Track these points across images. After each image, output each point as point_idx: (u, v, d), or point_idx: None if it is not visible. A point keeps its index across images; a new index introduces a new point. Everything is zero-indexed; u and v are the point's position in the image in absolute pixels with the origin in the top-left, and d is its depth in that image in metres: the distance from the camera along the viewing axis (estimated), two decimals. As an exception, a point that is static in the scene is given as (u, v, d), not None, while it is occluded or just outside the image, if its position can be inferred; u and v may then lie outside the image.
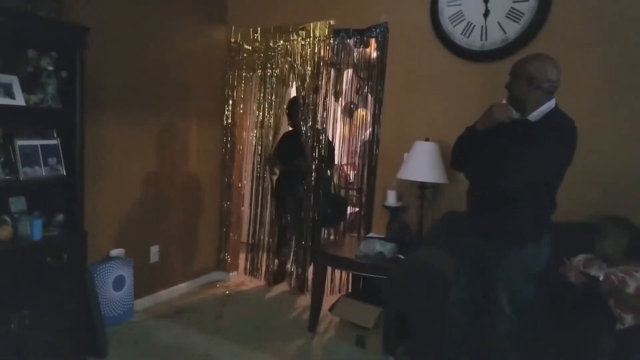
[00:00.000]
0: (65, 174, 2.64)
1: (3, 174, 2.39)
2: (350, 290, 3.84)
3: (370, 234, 3.69)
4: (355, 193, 4.47)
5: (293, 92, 4.34)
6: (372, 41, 3.75)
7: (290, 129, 4.23)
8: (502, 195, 2.19)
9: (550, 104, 2.17)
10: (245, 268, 4.42)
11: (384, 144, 3.68)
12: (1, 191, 2.48)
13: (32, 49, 2.54)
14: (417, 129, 3.49)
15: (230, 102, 4.25)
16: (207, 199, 4.22)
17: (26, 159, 2.46)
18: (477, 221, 2.36)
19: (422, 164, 3.25)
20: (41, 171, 2.53)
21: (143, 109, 3.49)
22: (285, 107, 4.19)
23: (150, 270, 3.69)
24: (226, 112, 4.26)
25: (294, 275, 4.17)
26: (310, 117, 3.95)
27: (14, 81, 2.40)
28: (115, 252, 3.34)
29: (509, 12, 3.15)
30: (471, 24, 3.28)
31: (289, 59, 4.07)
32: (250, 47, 4.15)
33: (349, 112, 4.10)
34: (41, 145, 2.55)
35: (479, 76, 3.30)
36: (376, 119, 3.70)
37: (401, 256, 3.08)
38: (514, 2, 3.14)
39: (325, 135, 3.97)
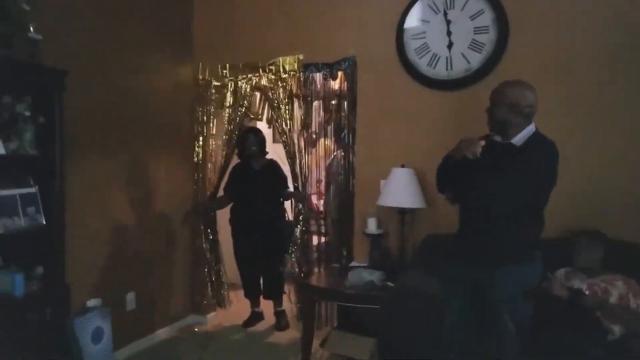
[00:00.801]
0: (45, 223, 2.50)
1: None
2: (336, 322, 3.80)
3: (353, 263, 3.70)
4: (323, 222, 4.44)
5: (262, 126, 4.37)
6: (341, 74, 3.85)
7: (238, 161, 4.19)
8: (493, 218, 2.28)
9: (531, 128, 2.31)
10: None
11: (360, 172, 3.75)
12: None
13: (7, 94, 2.43)
14: (391, 156, 3.58)
15: (201, 138, 4.20)
16: (179, 239, 4.11)
17: (4, 210, 2.33)
18: (467, 244, 2.43)
19: (400, 190, 3.34)
20: (20, 222, 2.40)
21: (115, 150, 3.40)
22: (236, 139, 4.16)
23: (128, 318, 3.53)
24: (196, 149, 4.20)
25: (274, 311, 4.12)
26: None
27: (-9, 129, 2.28)
28: (92, 302, 3.17)
29: (471, 44, 3.34)
30: (436, 55, 3.44)
31: (257, 93, 4.10)
32: (219, 83, 4.14)
33: (312, 142, 4.11)
34: (20, 195, 2.42)
35: (447, 103, 3.46)
36: (350, 149, 3.76)
37: (390, 283, 3.11)
38: (475, 34, 3.33)
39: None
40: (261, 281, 4.20)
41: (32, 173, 2.55)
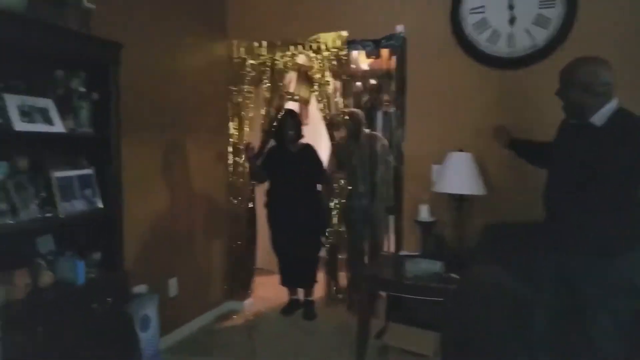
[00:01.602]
0: (102, 206, 2.34)
1: (38, 211, 2.08)
2: (387, 313, 3.64)
3: (403, 252, 3.56)
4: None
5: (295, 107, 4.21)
6: (386, 52, 3.67)
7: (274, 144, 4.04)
8: (587, 204, 2.13)
9: (611, 105, 2.14)
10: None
11: (409, 157, 3.58)
12: (33, 231, 2.15)
13: (60, 68, 2.25)
14: (445, 139, 3.41)
15: (236, 119, 4.02)
16: (217, 223, 3.97)
17: (64, 193, 2.17)
18: (556, 234, 2.27)
19: (458, 175, 3.17)
20: (80, 205, 2.23)
21: (154, 131, 3.21)
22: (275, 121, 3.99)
23: (171, 305, 3.39)
24: (231, 130, 4.02)
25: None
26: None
27: (50, 105, 2.11)
28: (139, 288, 3.02)
29: (536, 19, 3.16)
30: (497, 31, 3.26)
31: (294, 73, 3.92)
32: (255, 62, 3.95)
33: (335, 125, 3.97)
34: (77, 176, 2.25)
35: (508, 83, 3.29)
36: (399, 131, 3.60)
37: (454, 275, 2.97)
38: (540, 8, 3.15)
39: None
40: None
41: (87, 153, 2.38)
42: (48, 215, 2.08)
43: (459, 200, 3.25)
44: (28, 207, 2.02)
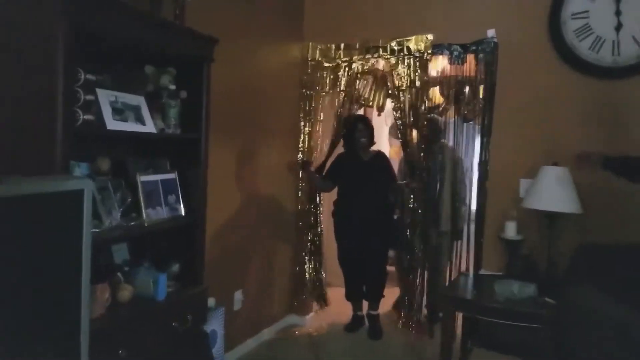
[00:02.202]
0: (184, 214, 2.17)
1: (120, 218, 1.91)
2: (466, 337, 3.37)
3: (483, 271, 3.30)
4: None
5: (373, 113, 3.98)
6: (470, 57, 3.42)
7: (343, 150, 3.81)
8: None
9: None
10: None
11: (494, 169, 3.31)
12: (109, 240, 1.98)
13: (150, 63, 2.10)
14: (535, 153, 3.17)
15: (308, 124, 3.83)
16: (284, 231, 3.78)
17: (149, 199, 2.00)
18: None
19: (551, 191, 2.90)
20: (163, 212, 2.06)
21: (231, 135, 3.04)
22: (344, 126, 3.77)
23: (235, 318, 3.21)
24: (302, 135, 3.84)
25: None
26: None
27: (142, 103, 1.95)
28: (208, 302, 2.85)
29: (647, 25, 2.87)
30: (600, 38, 2.98)
31: (371, 77, 3.70)
32: (330, 64, 3.76)
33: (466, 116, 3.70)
34: (162, 181, 2.09)
35: (610, 94, 3.01)
36: (484, 142, 3.33)
37: (549, 300, 2.69)
38: (653, 13, 2.85)
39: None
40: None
41: (171, 155, 2.21)
42: (132, 223, 1.90)
43: (551, 218, 2.96)
44: (111, 213, 1.85)
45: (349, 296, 3.85)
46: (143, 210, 1.95)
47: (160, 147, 2.21)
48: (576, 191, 2.87)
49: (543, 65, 3.16)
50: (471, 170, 3.69)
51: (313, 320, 3.94)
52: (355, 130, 3.63)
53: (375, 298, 3.78)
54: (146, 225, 1.95)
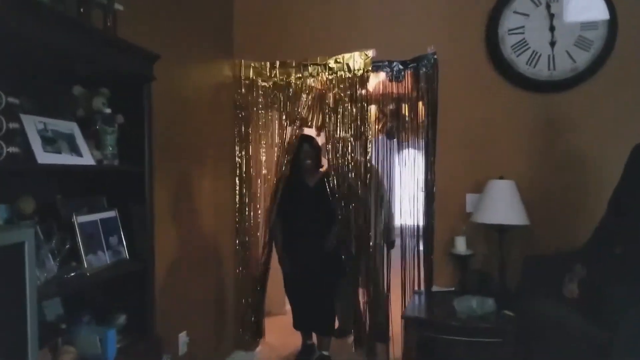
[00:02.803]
0: (128, 257, 1.88)
1: (58, 270, 1.60)
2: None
3: (435, 288, 3.25)
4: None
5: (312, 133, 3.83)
6: (408, 74, 3.40)
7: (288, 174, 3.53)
8: None
9: None
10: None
11: (440, 186, 3.29)
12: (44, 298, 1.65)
13: (79, 83, 1.80)
14: (479, 167, 3.21)
15: (244, 149, 3.60)
16: (225, 265, 3.50)
17: (89, 243, 1.70)
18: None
19: (499, 204, 2.92)
20: (105, 257, 1.77)
21: (166, 162, 2.74)
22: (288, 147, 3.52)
23: (181, 364, 2.89)
24: (237, 160, 3.60)
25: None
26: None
27: (75, 130, 1.65)
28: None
29: (578, 41, 3.00)
30: (537, 52, 3.07)
31: (307, 96, 3.55)
32: (266, 84, 3.58)
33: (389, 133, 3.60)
34: (101, 221, 1.79)
35: (548, 107, 3.12)
36: (429, 161, 3.30)
37: (508, 313, 2.69)
38: (582, 30, 2.99)
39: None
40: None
41: (107, 191, 1.92)
42: (72, 274, 1.59)
43: (500, 231, 2.98)
44: (45, 265, 1.54)
45: (296, 325, 3.64)
46: (83, 257, 1.65)
47: (95, 182, 1.91)
48: (522, 203, 2.91)
49: (484, 81, 3.21)
50: (391, 187, 3.63)
51: (262, 354, 3.68)
52: (299, 151, 3.44)
53: (325, 332, 3.56)
54: (88, 274, 1.65)
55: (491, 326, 2.60)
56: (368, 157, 3.45)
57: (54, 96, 1.75)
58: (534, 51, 3.07)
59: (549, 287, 2.70)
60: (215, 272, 3.36)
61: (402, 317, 2.81)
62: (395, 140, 3.55)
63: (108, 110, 1.84)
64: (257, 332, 3.65)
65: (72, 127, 1.64)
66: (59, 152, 1.54)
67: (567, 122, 3.07)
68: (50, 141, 1.52)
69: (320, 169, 3.56)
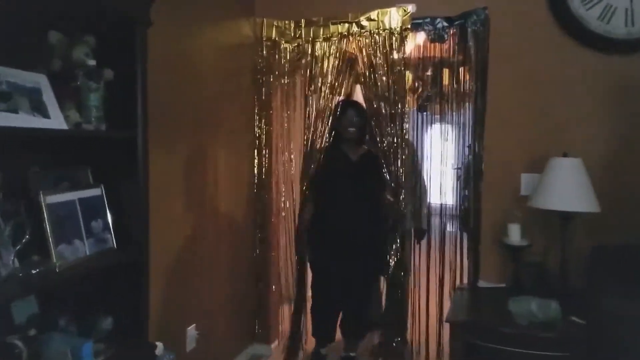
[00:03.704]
0: (116, 247, 1.50)
1: (18, 264, 1.23)
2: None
3: (481, 283, 2.83)
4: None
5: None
6: (453, 33, 2.92)
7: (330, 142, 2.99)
8: None
9: None
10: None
11: (490, 164, 2.84)
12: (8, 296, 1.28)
13: (55, 28, 1.40)
14: (537, 143, 2.75)
15: (263, 118, 3.19)
16: (241, 248, 3.13)
17: (60, 229, 1.32)
18: None
19: (564, 187, 2.46)
20: (84, 248, 1.39)
21: (172, 132, 2.36)
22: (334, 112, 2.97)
23: (189, 361, 2.55)
24: (257, 130, 3.20)
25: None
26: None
27: (43, 85, 1.26)
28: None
29: (664, -10, 2.48)
30: (611, 6, 2.57)
31: (341, 60, 3.10)
32: (289, 45, 3.14)
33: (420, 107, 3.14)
34: (80, 201, 1.41)
35: (622, 72, 2.62)
36: (477, 133, 2.85)
37: (578, 319, 2.25)
38: (670, -23, 2.47)
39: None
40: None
41: (93, 163, 1.53)
42: (34, 271, 1.22)
43: (564, 219, 2.52)
44: (1, 257, 1.17)
45: (318, 331, 3.03)
46: (52, 248, 1.27)
47: (77, 152, 1.52)
48: (592, 187, 2.44)
49: (544, 41, 2.72)
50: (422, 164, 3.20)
51: (279, 349, 3.31)
52: (343, 117, 2.89)
53: (357, 335, 3.06)
54: (58, 270, 1.27)
55: (556, 336, 2.16)
56: (405, 131, 3.01)
57: (23, 44, 1.36)
58: (607, 4, 2.56)
59: (628, 285, 2.26)
60: (230, 258, 2.98)
61: (447, 320, 2.39)
62: (427, 113, 3.09)
63: (92, 63, 1.44)
64: (274, 322, 3.28)
65: (38, 80, 1.25)
66: (15, 111, 1.15)
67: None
68: (4, 96, 1.13)
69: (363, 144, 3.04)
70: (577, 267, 2.55)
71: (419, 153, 3.21)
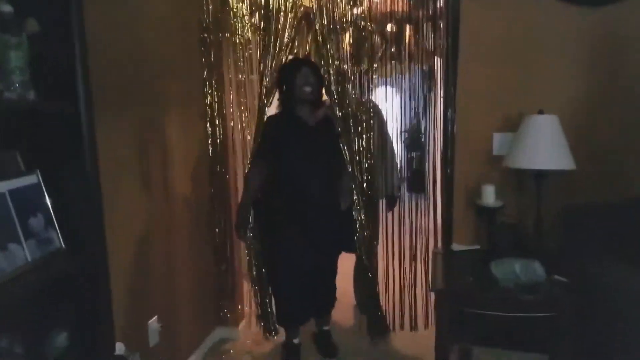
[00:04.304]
0: (64, 246, 1.21)
1: None
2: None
3: (455, 246, 2.73)
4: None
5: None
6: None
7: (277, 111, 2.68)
8: None
9: None
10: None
11: (461, 123, 2.71)
12: None
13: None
14: (511, 100, 2.63)
15: (214, 83, 2.88)
16: (200, 228, 2.86)
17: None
18: None
19: (540, 145, 2.36)
20: (22, 253, 1.09)
21: (114, 102, 2.01)
22: (280, 72, 2.62)
23: (154, 355, 2.30)
24: (208, 99, 2.89)
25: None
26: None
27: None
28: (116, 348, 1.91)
29: None
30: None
31: (298, 15, 2.83)
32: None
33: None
34: (11, 192, 1.11)
35: (598, 23, 2.50)
36: (448, 91, 2.69)
37: (561, 278, 2.19)
38: None
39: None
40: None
41: (22, 145, 1.21)
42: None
43: (539, 178, 2.44)
44: None
45: (286, 319, 2.76)
46: (-22, 259, 0.97)
47: (10, 129, 1.20)
48: (567, 144, 2.36)
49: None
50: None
51: (247, 330, 3.12)
52: (297, 76, 2.48)
53: (328, 308, 2.87)
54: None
55: (543, 297, 2.08)
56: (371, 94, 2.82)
57: None
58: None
59: (608, 244, 2.22)
60: (189, 241, 2.71)
61: (431, 289, 2.26)
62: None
63: (8, 9, 1.10)
64: (238, 302, 3.07)
65: None
66: None
67: (625, 42, 2.49)
68: None
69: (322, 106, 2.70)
70: (552, 226, 2.48)
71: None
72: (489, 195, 2.58)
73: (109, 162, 1.73)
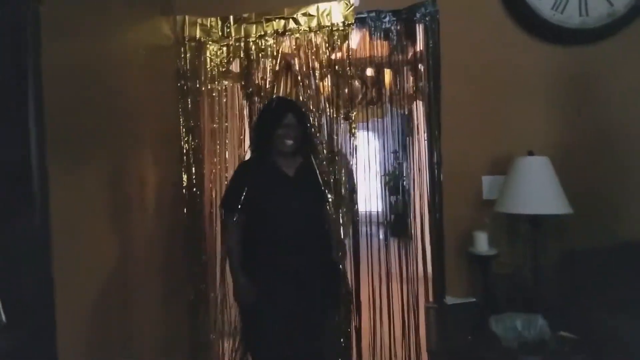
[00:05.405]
0: (4, 321, 1.02)
1: None
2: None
3: (449, 299, 2.56)
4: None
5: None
6: (398, 30, 2.69)
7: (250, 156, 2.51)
8: None
9: None
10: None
11: (448, 166, 2.61)
12: None
13: None
14: (499, 142, 2.57)
15: (190, 131, 2.75)
16: (174, 279, 2.66)
17: None
18: None
19: (532, 188, 2.27)
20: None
21: (80, 150, 1.84)
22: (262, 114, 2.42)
23: None
24: (184, 146, 2.75)
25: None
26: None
27: None
28: None
29: (616, -22, 2.39)
30: (564, -6, 2.44)
31: (276, 61, 2.75)
32: (217, 46, 2.74)
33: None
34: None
35: (578, 63, 2.50)
36: (433, 133, 2.61)
37: (567, 334, 2.04)
38: (621, -36, 2.39)
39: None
40: None
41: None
42: None
43: (534, 224, 2.32)
44: None
45: None
46: None
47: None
48: (561, 187, 2.27)
49: (497, 34, 2.56)
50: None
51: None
52: (279, 125, 2.25)
53: None
54: None
55: (551, 356, 1.92)
56: (353, 141, 2.71)
57: None
58: (561, -7, 2.43)
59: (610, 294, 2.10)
60: (162, 291, 2.48)
61: (428, 350, 2.07)
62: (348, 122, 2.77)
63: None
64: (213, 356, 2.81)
65: None
66: None
67: (604, 81, 2.46)
68: None
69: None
70: (550, 275, 2.36)
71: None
72: (482, 243, 2.45)
73: (66, 215, 1.53)
